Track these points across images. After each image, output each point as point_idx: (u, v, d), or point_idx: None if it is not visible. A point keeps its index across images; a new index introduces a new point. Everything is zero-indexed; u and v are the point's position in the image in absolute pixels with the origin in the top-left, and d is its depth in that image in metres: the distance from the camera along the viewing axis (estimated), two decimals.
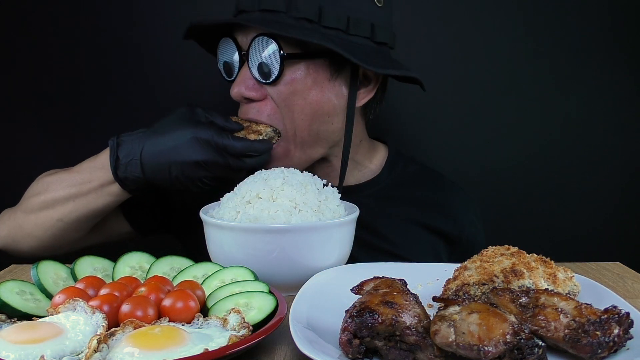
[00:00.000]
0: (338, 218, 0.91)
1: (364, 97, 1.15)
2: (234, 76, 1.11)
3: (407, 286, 0.73)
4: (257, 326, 0.69)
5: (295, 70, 1.07)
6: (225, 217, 0.91)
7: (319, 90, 1.09)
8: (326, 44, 1.01)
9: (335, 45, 1.02)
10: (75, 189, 1.06)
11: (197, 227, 0.95)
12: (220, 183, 1.04)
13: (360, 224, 0.98)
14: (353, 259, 0.97)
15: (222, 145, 0.99)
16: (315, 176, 0.98)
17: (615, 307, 0.66)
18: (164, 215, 1.26)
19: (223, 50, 1.12)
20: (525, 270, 0.77)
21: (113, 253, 0.93)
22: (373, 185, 1.23)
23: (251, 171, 1.00)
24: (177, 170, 0.99)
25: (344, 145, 1.14)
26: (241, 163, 1.02)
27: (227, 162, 1.00)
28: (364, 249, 1.09)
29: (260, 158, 1.04)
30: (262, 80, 1.07)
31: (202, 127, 1.00)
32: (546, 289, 0.74)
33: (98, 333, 0.64)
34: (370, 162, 1.25)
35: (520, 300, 0.69)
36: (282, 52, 1.04)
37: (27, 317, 0.72)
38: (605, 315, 0.64)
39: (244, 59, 1.08)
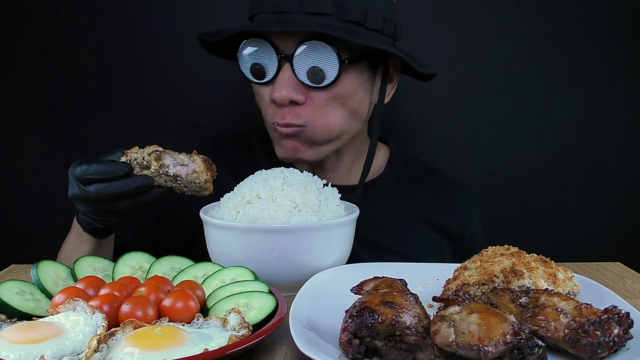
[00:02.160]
0: (338, 218, 0.91)
1: (389, 93, 1.18)
2: (269, 79, 1.06)
3: (407, 286, 0.73)
4: (257, 326, 0.69)
5: (346, 73, 1.06)
6: (225, 217, 0.91)
7: (361, 91, 1.09)
8: (399, 53, 1.04)
9: (405, 54, 1.04)
10: (71, 246, 1.06)
11: (197, 227, 0.95)
12: (115, 217, 0.95)
13: (364, 222, 0.98)
14: (357, 257, 0.97)
15: (73, 173, 0.88)
16: (315, 176, 0.98)
17: (615, 307, 0.66)
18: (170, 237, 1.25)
19: (252, 51, 1.06)
20: (525, 270, 0.77)
21: (113, 253, 0.93)
22: (376, 183, 1.23)
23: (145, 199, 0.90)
24: None
25: (370, 145, 1.15)
26: (91, 190, 0.87)
27: (85, 193, 0.88)
28: (368, 247, 1.09)
29: (115, 185, 0.87)
30: (311, 84, 1.04)
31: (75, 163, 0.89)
32: (546, 289, 0.74)
33: (98, 333, 0.64)
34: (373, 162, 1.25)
35: (520, 300, 0.69)
36: (341, 56, 1.02)
37: (27, 317, 0.72)
38: (605, 315, 0.64)
39: (283, 61, 1.03)
